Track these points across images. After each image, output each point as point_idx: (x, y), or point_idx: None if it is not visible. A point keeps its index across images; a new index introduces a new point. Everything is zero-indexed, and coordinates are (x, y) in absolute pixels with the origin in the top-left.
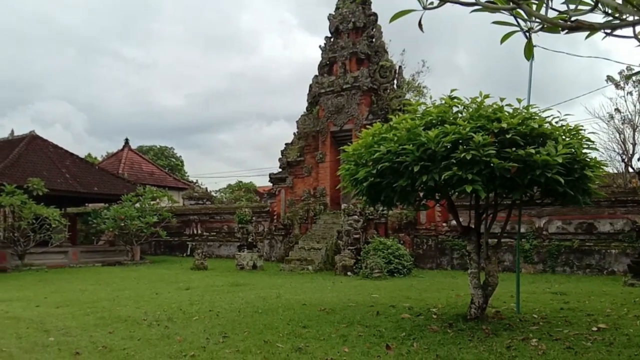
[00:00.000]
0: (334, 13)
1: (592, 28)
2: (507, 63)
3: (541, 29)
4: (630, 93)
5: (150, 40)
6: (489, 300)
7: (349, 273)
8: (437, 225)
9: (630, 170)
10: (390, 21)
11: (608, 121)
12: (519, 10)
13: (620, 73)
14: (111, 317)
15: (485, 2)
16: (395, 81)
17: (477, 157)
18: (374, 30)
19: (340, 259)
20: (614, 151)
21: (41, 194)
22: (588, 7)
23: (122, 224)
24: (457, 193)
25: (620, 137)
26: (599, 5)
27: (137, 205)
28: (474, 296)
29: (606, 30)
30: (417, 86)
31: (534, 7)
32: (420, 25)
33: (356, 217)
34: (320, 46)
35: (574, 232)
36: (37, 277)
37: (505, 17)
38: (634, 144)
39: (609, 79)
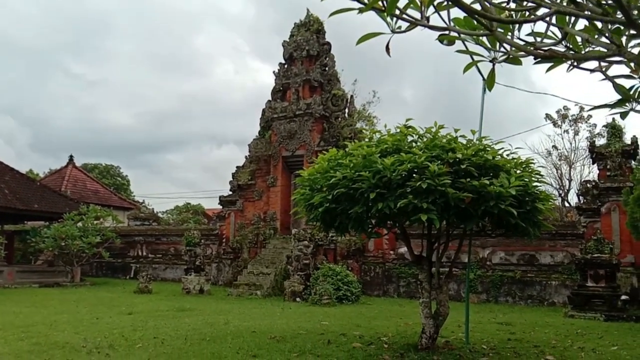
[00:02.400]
0: (288, 40)
1: (566, 57)
2: (450, 97)
3: (505, 59)
4: (567, 131)
5: (101, 57)
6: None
7: (298, 299)
8: (384, 253)
9: (567, 204)
10: (357, 43)
11: (546, 157)
12: (482, 39)
13: (558, 112)
14: (47, 343)
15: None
16: (346, 110)
17: (432, 187)
18: (327, 59)
19: (289, 284)
20: (551, 186)
21: None
22: (552, 41)
23: (63, 244)
24: (408, 221)
25: (557, 172)
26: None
27: (80, 224)
28: (425, 326)
29: (573, 62)
30: (367, 116)
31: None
32: (387, 49)
33: (306, 242)
34: (274, 72)
35: (517, 263)
36: None
37: (468, 46)
38: (570, 180)
39: (548, 117)
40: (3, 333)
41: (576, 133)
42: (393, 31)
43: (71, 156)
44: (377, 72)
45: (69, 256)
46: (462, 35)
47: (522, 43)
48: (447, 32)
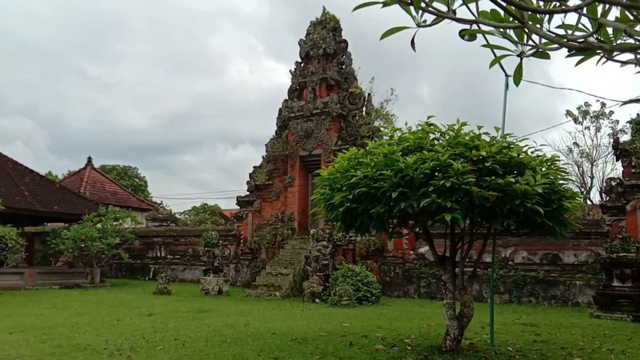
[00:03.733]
0: (304, 39)
1: (602, 48)
2: (466, 95)
3: (534, 53)
4: (588, 128)
5: (116, 58)
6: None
7: (317, 300)
8: (404, 253)
9: (589, 202)
10: (382, 38)
11: (567, 154)
12: (509, 33)
13: (578, 108)
14: (69, 345)
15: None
16: (364, 108)
17: (456, 185)
18: (344, 57)
19: (308, 285)
20: (574, 183)
21: None
22: (582, 33)
23: (83, 245)
24: (430, 221)
25: (579, 170)
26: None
27: (99, 225)
28: (450, 327)
29: (606, 55)
30: (385, 114)
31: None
32: (412, 43)
33: (325, 242)
34: (290, 71)
35: (539, 263)
36: None
37: (493, 40)
38: (592, 177)
39: (568, 113)
40: (25, 335)
41: (598, 130)
42: (418, 25)
43: (89, 158)
44: (392, 70)
45: (88, 257)
46: (487, 29)
47: (553, 36)
48: (475, 25)
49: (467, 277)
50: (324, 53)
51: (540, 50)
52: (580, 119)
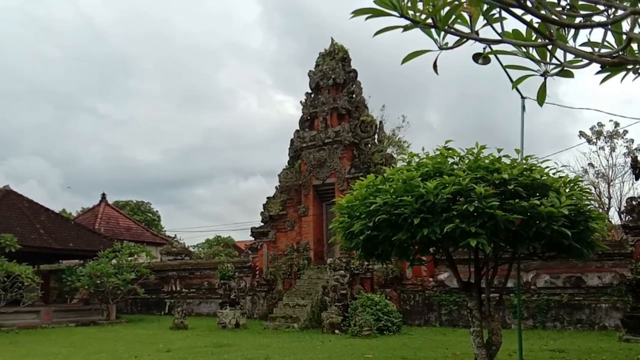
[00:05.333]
0: (314, 70)
1: (638, 62)
2: (475, 120)
3: (558, 72)
4: (602, 148)
5: (126, 97)
6: None
7: (337, 331)
8: (423, 280)
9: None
10: (403, 62)
11: (582, 176)
12: (532, 52)
13: (591, 129)
14: None
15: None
16: (376, 136)
17: (479, 209)
18: (354, 86)
19: (327, 316)
20: (592, 204)
21: (14, 251)
22: (607, 50)
23: (98, 282)
24: (453, 247)
25: (595, 190)
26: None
27: (114, 261)
28: (478, 356)
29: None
30: (397, 141)
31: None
32: (435, 66)
33: (342, 272)
34: (301, 101)
35: (563, 287)
36: (7, 339)
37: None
38: (609, 198)
39: (582, 134)
40: None
41: (612, 149)
42: (441, 47)
43: (103, 194)
44: (401, 98)
45: (104, 294)
46: (507, 49)
47: (584, 51)
48: (500, 44)
49: (493, 304)
50: (333, 83)
51: (565, 68)
52: (594, 140)
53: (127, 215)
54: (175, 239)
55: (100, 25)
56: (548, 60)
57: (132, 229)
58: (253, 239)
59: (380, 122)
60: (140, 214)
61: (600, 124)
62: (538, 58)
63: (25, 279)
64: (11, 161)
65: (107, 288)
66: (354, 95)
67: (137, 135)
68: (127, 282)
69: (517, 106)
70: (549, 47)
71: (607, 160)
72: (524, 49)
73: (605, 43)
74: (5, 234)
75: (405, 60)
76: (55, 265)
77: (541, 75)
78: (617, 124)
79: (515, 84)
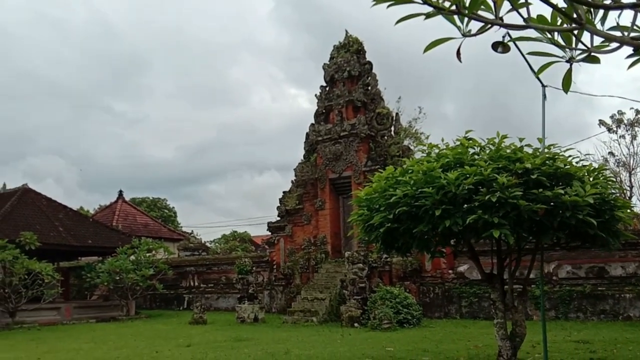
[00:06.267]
0: (328, 63)
1: None
2: (491, 110)
3: (584, 58)
4: (623, 136)
5: (140, 94)
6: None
7: (356, 324)
8: (443, 273)
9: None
10: (425, 51)
11: (605, 164)
12: (557, 38)
13: (612, 117)
14: None
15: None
16: (392, 128)
17: (502, 200)
18: (369, 78)
19: (346, 309)
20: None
21: (33, 248)
22: (637, 34)
23: (117, 278)
24: (475, 238)
25: (616, 179)
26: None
27: (133, 257)
28: (502, 348)
29: None
30: (414, 133)
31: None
32: (458, 54)
33: (361, 265)
34: (316, 95)
35: (585, 277)
36: (29, 336)
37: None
38: (631, 187)
39: (602, 123)
40: None
41: (634, 137)
42: (464, 35)
43: (120, 191)
44: (416, 89)
45: (123, 290)
46: (531, 36)
47: (615, 35)
48: (526, 29)
49: (516, 295)
50: (348, 76)
51: (592, 54)
52: (615, 128)
53: (144, 212)
54: (192, 235)
55: (114, 23)
56: (574, 45)
57: (149, 226)
58: (269, 233)
59: (397, 114)
60: (157, 211)
61: (620, 112)
62: (563, 44)
63: (46, 276)
64: (29, 160)
65: (126, 284)
66: (369, 88)
67: (152, 133)
68: (145, 278)
69: (534, 95)
70: (575, 32)
71: (628, 149)
72: (549, 35)
73: (635, 27)
74: (25, 232)
75: (427, 48)
76: (74, 263)
77: (567, 61)
78: (638, 112)
79: (539, 70)
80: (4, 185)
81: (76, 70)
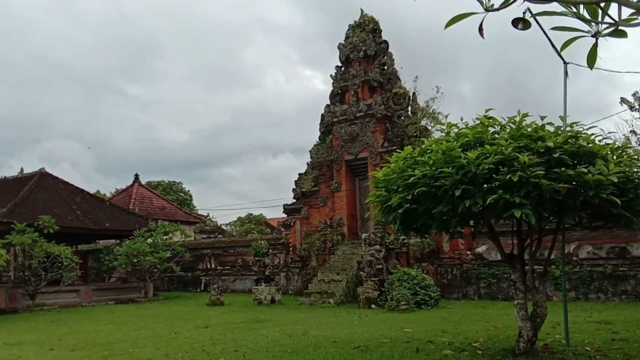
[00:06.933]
0: (343, 42)
1: None
2: (508, 88)
3: (611, 33)
4: None
5: (154, 77)
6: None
7: (373, 306)
8: (461, 254)
9: None
10: (447, 26)
11: (629, 143)
12: (582, 12)
13: (634, 95)
14: None
15: None
16: (409, 108)
17: (524, 179)
18: (385, 57)
19: (363, 291)
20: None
21: (52, 232)
22: None
23: (135, 260)
24: (494, 218)
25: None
26: None
27: (150, 240)
28: (522, 329)
29: None
30: (431, 112)
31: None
32: (480, 29)
33: (378, 246)
34: (331, 75)
35: (606, 257)
36: (49, 318)
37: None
38: None
39: (623, 101)
40: (86, 352)
41: None
42: (487, 9)
43: (136, 175)
44: (433, 68)
45: (141, 272)
46: (554, 11)
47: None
48: (551, 2)
49: (536, 276)
50: (364, 55)
51: (619, 27)
52: (637, 106)
53: (160, 195)
54: (208, 218)
55: (127, 6)
56: (600, 19)
57: (165, 209)
58: (285, 215)
59: (414, 93)
60: (173, 194)
61: None
62: (588, 17)
63: (65, 259)
64: (45, 144)
65: (143, 266)
66: (385, 67)
67: (167, 116)
68: (163, 260)
69: (552, 74)
70: (602, 4)
71: None
72: (574, 8)
73: None
74: (44, 216)
75: (449, 24)
76: (92, 246)
77: (592, 36)
78: None
79: (564, 46)
80: (22, 169)
81: (90, 53)
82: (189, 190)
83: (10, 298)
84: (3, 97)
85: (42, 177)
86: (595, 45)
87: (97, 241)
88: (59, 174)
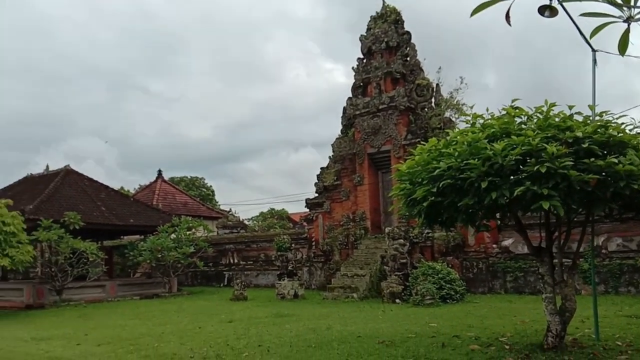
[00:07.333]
0: (365, 34)
1: None
2: (533, 78)
3: None
4: None
5: (176, 74)
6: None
7: (397, 300)
8: (486, 247)
9: None
10: (472, 14)
11: None
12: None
13: None
14: (156, 355)
15: None
16: (433, 99)
17: (552, 170)
18: (408, 49)
19: (387, 285)
20: None
21: (78, 228)
22: None
23: (159, 256)
24: (522, 211)
25: None
26: None
27: (173, 235)
28: (551, 323)
29: None
30: (456, 104)
31: None
32: (507, 17)
33: (402, 240)
34: (353, 67)
35: (637, 250)
36: (76, 313)
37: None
38: None
39: None
40: (112, 347)
41: None
42: None
43: (159, 171)
44: (456, 59)
45: (165, 267)
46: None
47: None
48: None
49: (565, 269)
50: (386, 47)
51: None
52: None
53: (183, 191)
54: (231, 213)
55: (149, 3)
56: (632, 3)
57: (188, 204)
58: (307, 210)
59: (437, 84)
60: (195, 189)
61: None
62: (620, 2)
63: (90, 255)
64: (70, 142)
65: (168, 262)
66: (408, 59)
67: (189, 112)
68: (186, 255)
69: (578, 63)
70: None
71: None
72: None
73: None
74: (70, 212)
75: (475, 11)
76: (117, 241)
77: (624, 21)
78: None
79: (594, 32)
80: (47, 166)
81: (113, 50)
82: (211, 186)
83: (37, 294)
84: (29, 95)
85: (68, 174)
86: (627, 31)
87: (122, 237)
88: (84, 170)
